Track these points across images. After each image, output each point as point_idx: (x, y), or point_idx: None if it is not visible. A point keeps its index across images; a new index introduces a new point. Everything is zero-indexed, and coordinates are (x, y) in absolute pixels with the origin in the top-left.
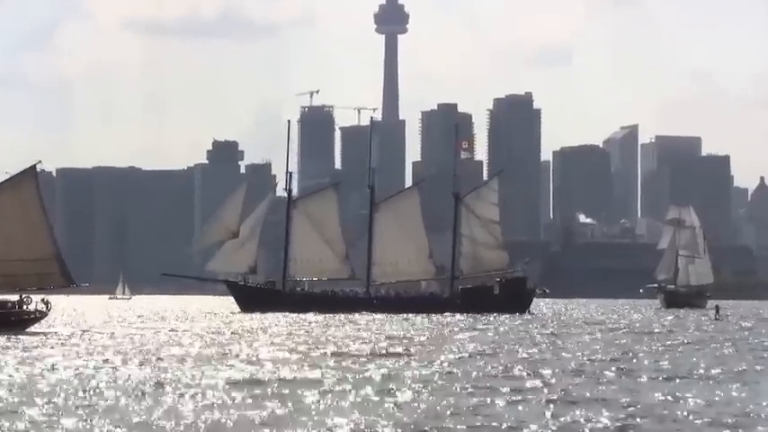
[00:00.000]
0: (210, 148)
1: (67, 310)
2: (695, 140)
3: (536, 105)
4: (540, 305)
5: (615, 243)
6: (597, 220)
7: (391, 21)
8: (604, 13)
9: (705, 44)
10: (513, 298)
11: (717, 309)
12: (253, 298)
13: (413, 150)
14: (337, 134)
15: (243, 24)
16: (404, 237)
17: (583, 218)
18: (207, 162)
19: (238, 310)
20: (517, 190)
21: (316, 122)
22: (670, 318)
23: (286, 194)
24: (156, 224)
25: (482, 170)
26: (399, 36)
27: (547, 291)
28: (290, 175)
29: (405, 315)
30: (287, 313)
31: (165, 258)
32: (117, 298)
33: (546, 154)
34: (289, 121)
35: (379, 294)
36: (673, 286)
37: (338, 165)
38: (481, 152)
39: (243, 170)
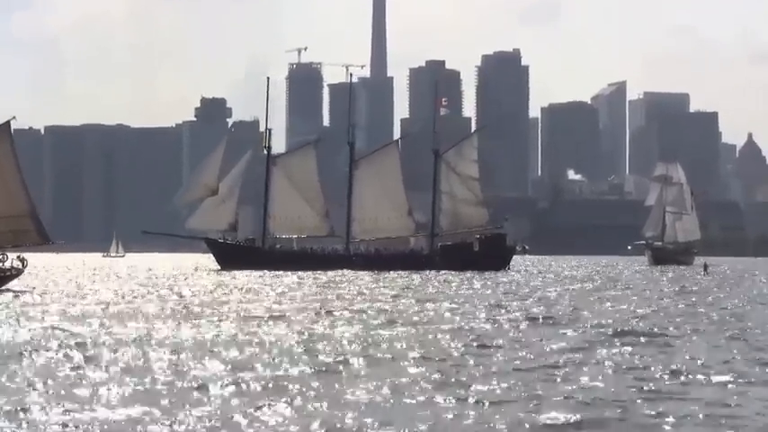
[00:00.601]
0: (198, 105)
1: (47, 269)
2: (683, 97)
3: (524, 62)
4: (528, 261)
5: (603, 200)
6: (585, 177)
7: None
8: None
9: (695, 3)
10: (492, 255)
11: (705, 266)
12: (232, 256)
13: (401, 107)
14: (325, 91)
15: None
16: (383, 193)
17: (572, 174)
18: (195, 119)
19: (218, 267)
20: (505, 146)
21: (304, 80)
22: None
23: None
24: (145, 181)
25: (470, 127)
26: None
27: (527, 248)
28: (269, 132)
29: (384, 272)
30: (265, 271)
31: (154, 216)
32: (111, 256)
33: (534, 111)
34: (268, 78)
35: (358, 252)
36: (660, 243)
37: (327, 122)
38: (469, 109)
39: (231, 127)
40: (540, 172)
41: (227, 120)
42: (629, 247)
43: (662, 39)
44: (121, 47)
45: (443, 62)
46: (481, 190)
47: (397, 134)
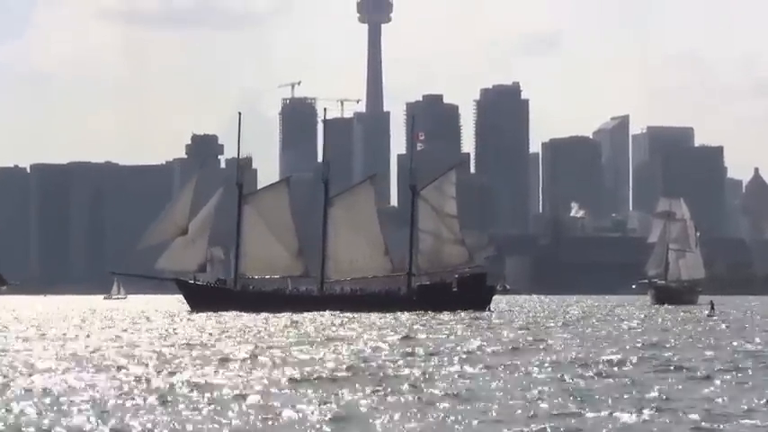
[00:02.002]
0: (189, 142)
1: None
2: (687, 131)
3: (524, 95)
4: (519, 301)
5: (606, 237)
6: (588, 213)
7: (374, 9)
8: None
9: (697, 31)
10: (472, 295)
11: (711, 304)
12: (202, 297)
13: (398, 143)
14: (320, 127)
15: (221, 13)
16: (358, 232)
17: (574, 210)
18: (186, 156)
19: (188, 309)
20: (505, 182)
21: (298, 115)
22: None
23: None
24: (135, 221)
25: (470, 162)
26: (383, 25)
27: (508, 287)
28: (242, 169)
29: (357, 314)
30: (238, 312)
31: (145, 256)
32: (112, 298)
33: (535, 145)
34: (240, 113)
35: (333, 292)
36: (663, 281)
37: (320, 158)
38: (468, 144)
39: (223, 165)
40: (540, 208)
41: (219, 157)
42: (633, 286)
43: (665, 70)
44: (109, 82)
45: (441, 96)
46: (460, 228)
47: (394, 170)
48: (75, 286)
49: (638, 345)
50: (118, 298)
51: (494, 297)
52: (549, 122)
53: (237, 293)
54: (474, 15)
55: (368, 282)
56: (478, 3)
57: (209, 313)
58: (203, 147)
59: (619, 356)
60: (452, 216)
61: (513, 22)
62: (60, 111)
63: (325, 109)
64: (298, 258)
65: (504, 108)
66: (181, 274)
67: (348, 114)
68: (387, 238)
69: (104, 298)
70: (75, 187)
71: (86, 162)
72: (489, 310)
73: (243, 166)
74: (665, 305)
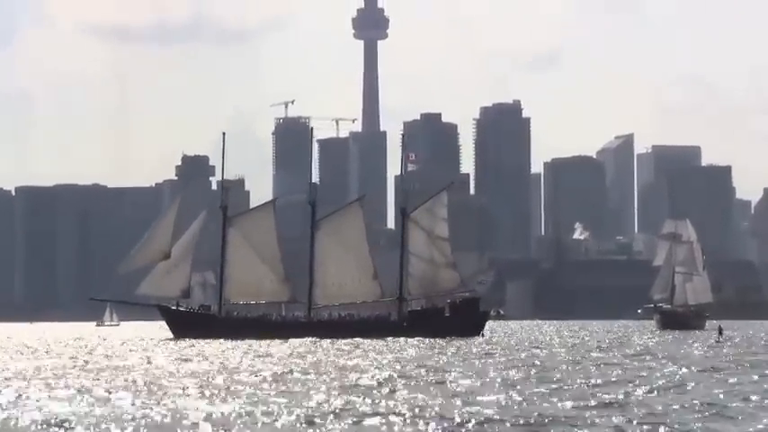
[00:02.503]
0: (180, 163)
1: None
2: (694, 150)
3: (525, 114)
4: (514, 327)
5: (611, 260)
6: (591, 236)
7: (370, 25)
8: (596, 15)
9: (703, 47)
10: (464, 320)
11: (719, 330)
12: (186, 323)
13: (395, 163)
14: (315, 146)
15: (213, 29)
16: (346, 256)
17: (578, 233)
18: (176, 178)
19: (171, 336)
20: (506, 204)
21: (291, 135)
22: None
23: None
24: (123, 245)
25: (469, 183)
26: (379, 42)
27: (501, 312)
28: (227, 191)
29: (347, 340)
30: (222, 339)
31: (129, 281)
32: (104, 325)
33: (536, 165)
34: (224, 133)
35: (321, 318)
36: (669, 306)
37: (316, 178)
38: (468, 164)
39: (214, 186)
40: (542, 231)
41: (211, 178)
42: (639, 311)
43: (671, 88)
44: (97, 101)
45: (439, 115)
46: (453, 251)
47: (391, 192)
48: (64, 313)
49: None
50: (110, 325)
51: (487, 322)
52: (550, 141)
53: (222, 320)
54: (473, 31)
55: (357, 307)
56: (478, 18)
57: (193, 340)
58: (194, 168)
59: None
60: (444, 239)
61: (514, 38)
62: (46, 130)
63: (312, 128)
64: (284, 283)
65: (504, 127)
66: (163, 299)
67: (343, 134)
68: (376, 261)
69: (96, 325)
70: (62, 210)
71: (73, 184)
72: (482, 335)
73: (228, 188)
74: (672, 330)
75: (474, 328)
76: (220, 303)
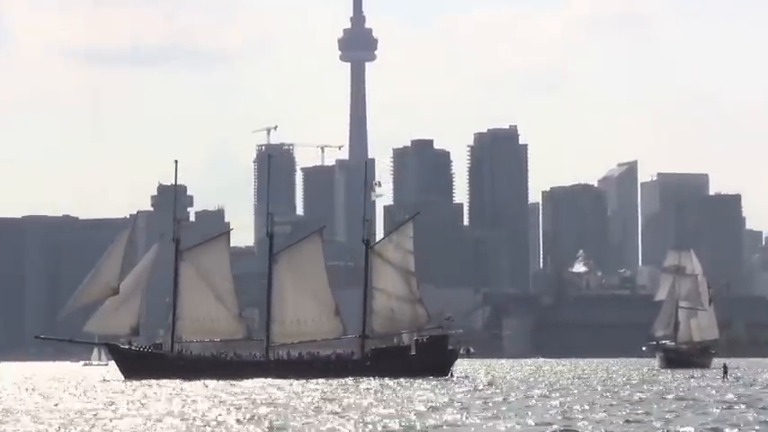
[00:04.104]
0: (155, 193)
1: None
2: (702, 178)
3: (522, 140)
4: (507, 367)
5: (614, 295)
6: (593, 269)
7: (358, 47)
8: (597, 36)
9: (711, 69)
10: (431, 359)
11: (725, 368)
12: (136, 363)
13: (385, 193)
14: (299, 175)
15: (191, 52)
16: (305, 291)
17: (578, 266)
18: (152, 209)
19: (121, 377)
20: (502, 236)
21: (274, 162)
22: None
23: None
24: None
25: (463, 214)
26: (367, 64)
27: (471, 350)
28: (179, 222)
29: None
30: (176, 380)
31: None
32: (92, 364)
33: (534, 195)
34: (176, 161)
35: (279, 357)
36: (672, 343)
37: (300, 210)
38: (461, 194)
39: (192, 218)
40: (541, 264)
41: (189, 209)
42: (644, 348)
43: (676, 112)
44: (68, 127)
45: (431, 141)
46: (418, 285)
47: (380, 223)
48: (33, 352)
49: None
50: (99, 365)
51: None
52: (549, 169)
53: (173, 359)
54: (467, 52)
55: (318, 345)
56: (472, 39)
57: (144, 381)
58: (171, 198)
59: None
60: (410, 272)
61: (511, 60)
62: (13, 158)
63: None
64: (238, 320)
65: (500, 154)
66: (111, 337)
67: (329, 162)
68: (337, 296)
69: (84, 364)
70: (30, 243)
71: (42, 216)
72: (451, 375)
73: (180, 220)
74: (675, 369)
75: (442, 368)
76: (172, 342)
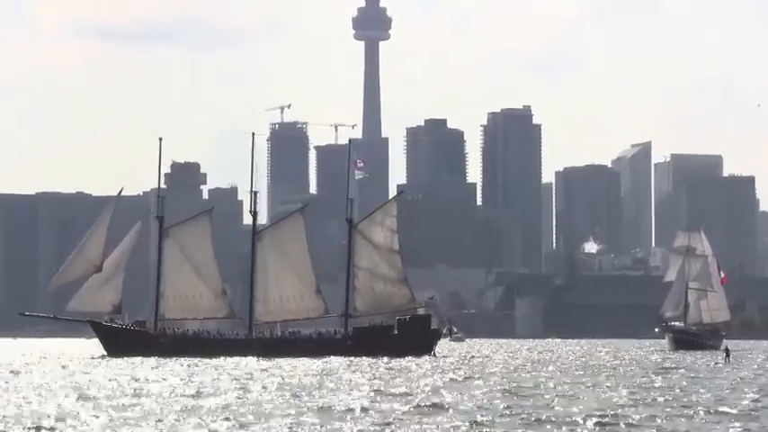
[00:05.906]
0: (169, 170)
1: None
2: (715, 159)
3: (536, 120)
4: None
5: (626, 275)
6: (606, 250)
7: (372, 25)
8: (612, 16)
9: (725, 50)
10: (414, 339)
11: (726, 351)
12: (119, 341)
13: (398, 172)
14: (312, 154)
15: (204, 29)
16: (287, 270)
17: (590, 246)
18: (165, 186)
19: (104, 353)
20: (515, 216)
21: (287, 141)
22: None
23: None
24: None
25: (476, 194)
26: (381, 43)
27: (454, 330)
28: (162, 200)
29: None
30: (157, 358)
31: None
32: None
33: (548, 175)
34: (161, 138)
35: (261, 336)
36: (682, 324)
37: (314, 189)
38: (474, 173)
39: (206, 195)
40: (554, 245)
41: (202, 187)
42: (657, 330)
43: (691, 93)
44: (81, 105)
45: (444, 121)
46: (403, 264)
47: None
48: (44, 329)
49: None
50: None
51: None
52: (563, 149)
53: (155, 337)
54: (481, 32)
55: (300, 324)
56: (486, 18)
57: (127, 359)
58: (184, 175)
59: None
60: (394, 251)
61: (525, 39)
62: (26, 136)
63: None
64: (221, 298)
65: (513, 134)
66: (94, 315)
67: (343, 140)
68: (319, 275)
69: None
70: (44, 220)
71: (56, 192)
72: (433, 355)
73: (163, 197)
74: (685, 351)
75: (424, 347)
76: (156, 319)
